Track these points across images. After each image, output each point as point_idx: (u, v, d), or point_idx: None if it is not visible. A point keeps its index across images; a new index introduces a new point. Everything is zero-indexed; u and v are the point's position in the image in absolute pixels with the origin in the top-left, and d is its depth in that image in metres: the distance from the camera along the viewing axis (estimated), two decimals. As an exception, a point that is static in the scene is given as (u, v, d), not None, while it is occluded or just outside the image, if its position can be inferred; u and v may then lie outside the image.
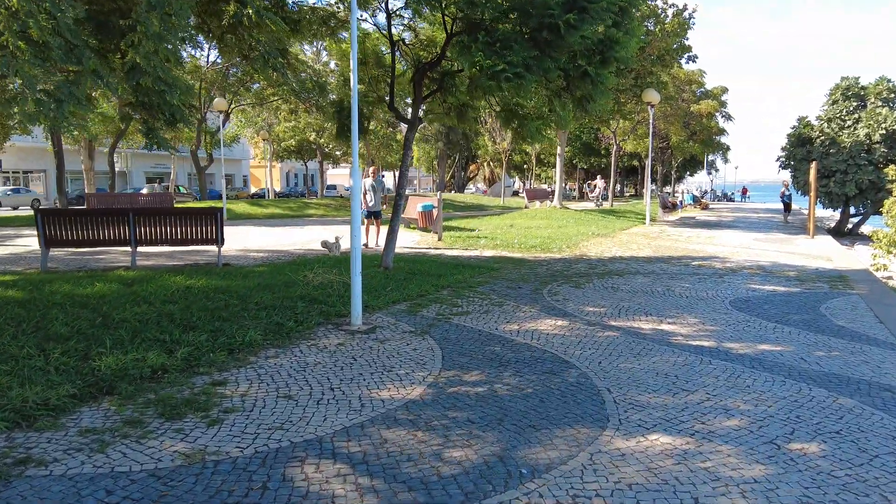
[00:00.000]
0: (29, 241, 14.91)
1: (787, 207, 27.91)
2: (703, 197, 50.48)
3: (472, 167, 65.70)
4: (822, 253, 15.02)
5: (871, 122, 24.25)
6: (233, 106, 34.85)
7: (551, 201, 32.33)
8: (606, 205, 36.37)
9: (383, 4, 10.83)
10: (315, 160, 49.60)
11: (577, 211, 28.54)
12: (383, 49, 12.24)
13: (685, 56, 29.71)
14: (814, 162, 21.69)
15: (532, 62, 8.18)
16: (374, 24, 11.98)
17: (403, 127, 10.83)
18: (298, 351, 5.82)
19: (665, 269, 11.58)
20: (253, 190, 61.80)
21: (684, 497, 3.27)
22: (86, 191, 33.40)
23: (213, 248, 10.86)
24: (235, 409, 4.36)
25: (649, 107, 24.76)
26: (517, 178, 72.04)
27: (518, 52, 8.04)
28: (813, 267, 12.35)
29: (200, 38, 11.25)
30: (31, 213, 28.29)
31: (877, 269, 12.88)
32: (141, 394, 4.61)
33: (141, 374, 4.92)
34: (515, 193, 60.79)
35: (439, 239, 15.96)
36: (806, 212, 26.86)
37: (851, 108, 25.50)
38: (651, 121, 26.31)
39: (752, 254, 14.45)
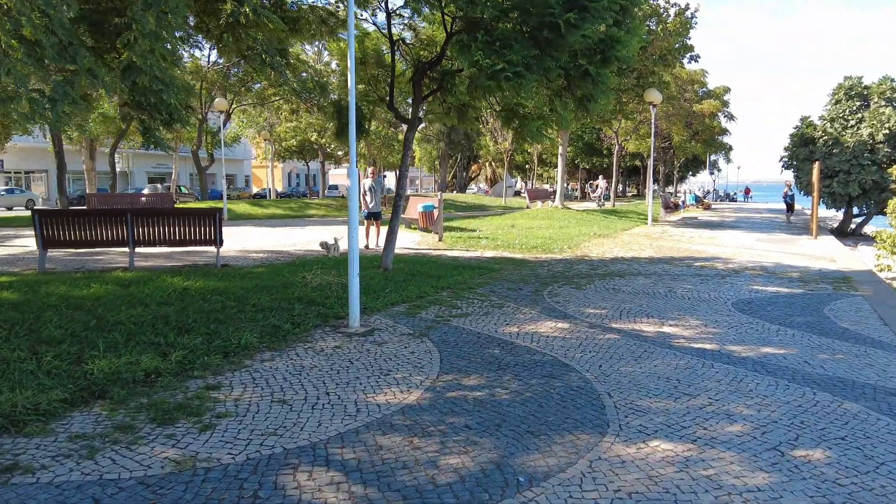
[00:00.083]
0: (28, 242, 14.84)
1: (790, 208, 27.79)
2: (705, 197, 50.40)
3: (473, 167, 65.63)
4: (826, 254, 14.92)
5: (875, 122, 24.11)
6: (234, 106, 34.80)
7: (553, 201, 32.23)
8: (608, 205, 36.27)
9: (383, 4, 10.76)
10: (317, 160, 49.54)
11: (579, 211, 28.44)
12: (384, 48, 12.18)
13: (687, 55, 29.59)
14: (817, 162, 21.58)
15: (532, 61, 8.09)
16: (374, 24, 11.92)
17: (405, 127, 10.74)
18: (294, 354, 5.74)
19: (667, 270, 11.49)
20: (255, 190, 61.80)
21: (686, 506, 3.19)
22: (87, 191, 33.40)
23: (213, 248, 10.79)
24: (228, 414, 4.29)
25: (651, 106, 24.65)
26: (519, 178, 71.93)
27: (518, 52, 7.95)
28: (816, 268, 12.25)
29: (199, 37, 11.17)
30: (27, 213, 28.30)
31: (881, 270, 12.78)
32: (133, 398, 4.53)
33: (134, 377, 4.84)
34: (517, 193, 60.72)
35: (440, 239, 15.88)
36: (809, 212, 26.73)
37: (855, 108, 25.36)
38: (653, 121, 26.19)
39: (754, 254, 14.35)
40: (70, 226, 10.10)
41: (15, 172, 44.81)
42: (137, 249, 11.48)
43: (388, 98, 11.00)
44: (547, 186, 54.08)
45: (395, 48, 10.78)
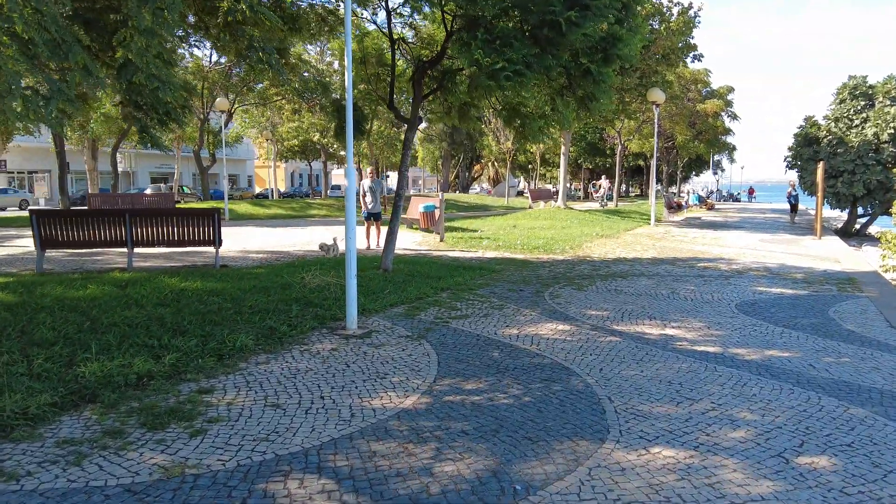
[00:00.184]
0: (29, 243, 14.78)
1: (794, 208, 27.63)
2: (708, 197, 50.18)
3: (476, 167, 65.48)
4: (830, 254, 14.79)
5: (880, 122, 23.95)
6: (236, 106, 34.73)
7: (555, 201, 32.11)
8: (611, 205, 36.13)
9: (383, 2, 10.67)
10: (319, 160, 49.46)
11: (582, 211, 28.32)
12: (384, 47, 12.09)
13: (690, 55, 29.47)
14: (821, 162, 21.43)
15: (533, 60, 7.99)
16: (374, 23, 11.84)
17: (406, 127, 10.65)
18: (290, 356, 5.65)
19: (670, 271, 11.38)
20: (257, 190, 61.79)
21: (687, 517, 3.10)
22: (89, 191, 33.38)
23: (212, 249, 10.71)
24: (220, 419, 4.20)
25: (654, 106, 24.53)
26: (522, 178, 71.76)
27: (518, 50, 7.85)
28: (820, 269, 12.13)
29: (198, 36, 11.10)
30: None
31: (886, 271, 12.64)
32: (124, 402, 4.45)
33: (126, 381, 4.76)
34: (520, 193, 60.55)
35: (441, 240, 15.79)
36: (813, 212, 26.59)
37: (859, 108, 25.20)
38: (656, 120, 26.06)
39: (758, 255, 14.23)
40: (68, 226, 10.04)
41: (18, 172, 44.83)
42: (137, 250, 11.42)
43: (388, 98, 10.92)
44: (550, 186, 53.91)
45: (396, 47, 10.69)
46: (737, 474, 3.53)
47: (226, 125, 32.21)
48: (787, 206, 28.83)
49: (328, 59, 35.88)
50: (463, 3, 8.71)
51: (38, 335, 5.69)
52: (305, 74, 27.05)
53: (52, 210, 11.18)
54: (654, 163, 26.65)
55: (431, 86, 10.64)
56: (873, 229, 26.75)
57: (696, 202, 40.62)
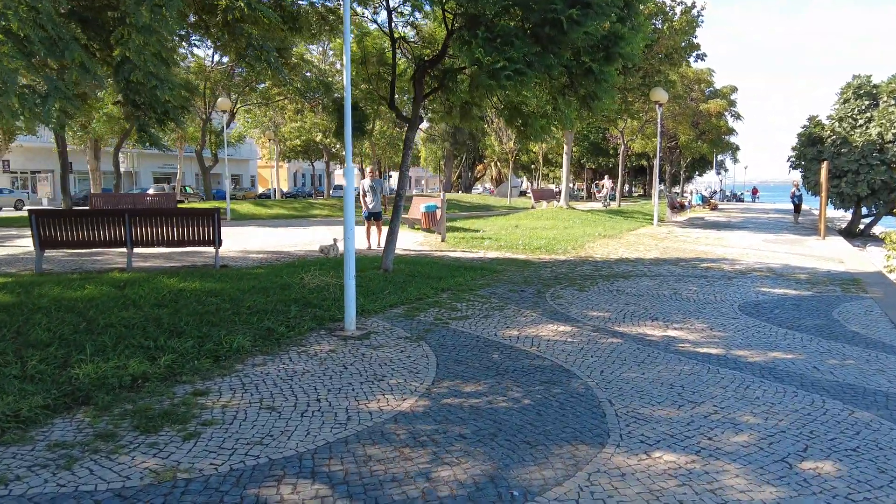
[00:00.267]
0: (29, 242, 14.75)
1: (798, 208, 27.51)
2: (712, 197, 50.02)
3: (479, 167, 65.38)
4: (834, 255, 14.68)
5: (884, 121, 23.81)
6: (238, 106, 34.71)
7: (558, 201, 32.02)
8: (614, 205, 36.02)
9: (384, 1, 10.61)
10: (322, 160, 49.43)
11: (584, 211, 28.23)
12: (386, 47, 12.03)
13: (693, 54, 29.34)
14: (825, 162, 21.30)
15: (534, 59, 7.92)
16: (375, 22, 11.78)
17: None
18: (287, 358, 5.59)
19: (672, 272, 11.29)
20: (260, 190, 61.80)
21: (688, 524, 3.02)
22: (91, 191, 33.39)
23: (212, 249, 10.66)
24: (215, 422, 4.14)
25: (657, 106, 24.43)
26: (525, 178, 71.67)
27: (519, 49, 7.78)
28: (824, 269, 12.03)
29: (198, 36, 11.06)
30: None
31: (890, 272, 12.54)
32: (118, 404, 4.39)
33: (120, 382, 4.70)
34: (523, 193, 60.44)
35: (443, 240, 15.72)
36: (816, 212, 26.45)
37: (863, 107, 25.04)
38: (659, 120, 25.96)
39: (761, 255, 14.14)
40: (67, 226, 10.00)
41: (21, 172, 44.91)
42: (137, 250, 11.38)
43: (389, 97, 10.86)
44: (552, 186, 53.83)
45: (397, 46, 10.63)
46: (739, 480, 3.46)
47: (228, 125, 32.16)
48: (791, 206, 28.70)
49: (331, 58, 35.85)
50: (463, 2, 8.64)
51: (34, 336, 5.64)
52: (308, 74, 27.01)
53: (52, 210, 11.16)
54: (657, 163, 26.55)
55: (432, 85, 10.58)
56: (877, 229, 26.62)
57: (700, 202, 40.48)
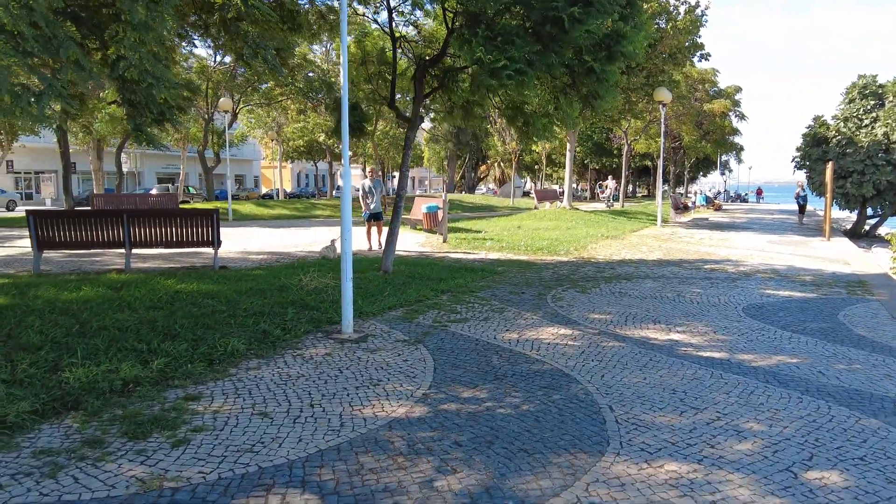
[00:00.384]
0: (29, 243, 14.70)
1: (802, 209, 27.33)
2: (716, 198, 49.81)
3: (482, 168, 65.27)
4: (839, 256, 14.54)
5: (890, 121, 23.62)
6: (240, 106, 34.65)
7: (561, 202, 31.89)
8: (617, 206, 35.86)
9: (384, 1, 10.52)
10: (325, 161, 49.39)
11: (587, 212, 28.09)
12: (386, 47, 11.93)
13: (697, 54, 29.16)
14: (830, 162, 21.14)
15: (535, 57, 7.81)
16: (375, 21, 11.68)
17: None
18: (283, 362, 5.50)
19: (675, 273, 11.17)
20: (264, 190, 61.78)
21: (690, 537, 2.92)
22: (94, 191, 33.38)
23: (211, 250, 10.58)
24: (205, 428, 4.04)
25: (661, 106, 24.27)
26: (528, 179, 71.51)
27: (520, 47, 7.68)
28: (830, 271, 11.89)
29: (197, 35, 10.98)
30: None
31: (896, 273, 12.39)
32: (108, 409, 4.31)
33: (111, 387, 4.61)
34: (526, 194, 60.24)
35: (444, 241, 15.62)
36: (821, 213, 26.27)
37: (869, 107, 24.85)
38: (663, 120, 25.82)
39: (766, 257, 14.00)
40: (65, 227, 9.93)
41: (25, 173, 44.97)
42: (137, 251, 11.31)
43: (389, 97, 10.77)
44: (556, 187, 53.63)
45: (397, 46, 10.53)
46: (743, 490, 3.35)
47: (230, 125, 32.11)
48: (796, 207, 28.52)
49: (334, 59, 35.77)
50: (464, 0, 8.54)
51: (25, 339, 5.56)
52: (310, 74, 26.96)
53: (50, 210, 11.09)
54: (660, 163, 26.41)
55: (433, 84, 10.48)
56: (883, 230, 26.41)
57: (704, 203, 40.30)
